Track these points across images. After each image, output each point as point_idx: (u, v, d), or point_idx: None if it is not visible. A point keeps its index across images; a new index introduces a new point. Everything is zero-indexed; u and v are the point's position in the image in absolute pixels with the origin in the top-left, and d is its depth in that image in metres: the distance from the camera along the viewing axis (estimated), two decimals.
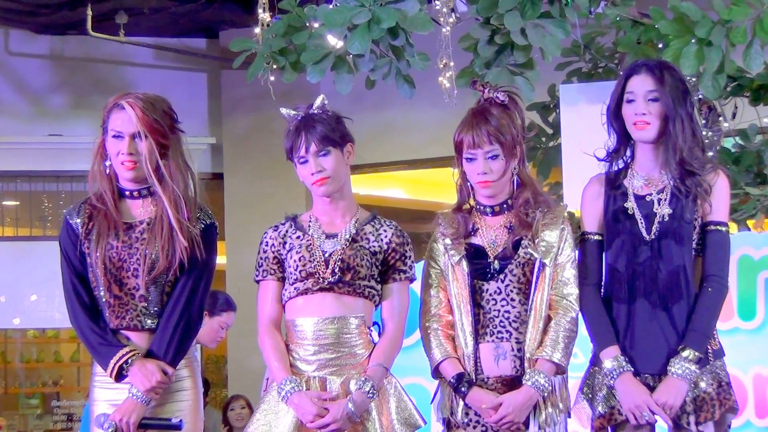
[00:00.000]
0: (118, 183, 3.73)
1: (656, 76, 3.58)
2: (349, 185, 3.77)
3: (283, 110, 3.75)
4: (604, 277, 3.68)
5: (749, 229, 5.79)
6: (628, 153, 3.70)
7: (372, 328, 3.70)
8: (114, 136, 3.65)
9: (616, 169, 3.72)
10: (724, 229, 3.60)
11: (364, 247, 3.68)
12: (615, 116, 3.67)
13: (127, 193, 3.73)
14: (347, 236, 3.69)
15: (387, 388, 3.65)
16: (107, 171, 3.71)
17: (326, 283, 3.63)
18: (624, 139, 3.68)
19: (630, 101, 3.61)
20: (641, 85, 3.59)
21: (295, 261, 3.67)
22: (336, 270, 3.63)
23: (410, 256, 3.74)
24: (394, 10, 4.94)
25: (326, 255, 3.66)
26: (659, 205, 3.60)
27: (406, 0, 4.97)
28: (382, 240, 3.71)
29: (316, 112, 3.70)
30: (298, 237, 3.72)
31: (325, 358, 3.62)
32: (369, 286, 3.67)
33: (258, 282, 3.78)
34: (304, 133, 3.65)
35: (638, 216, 3.61)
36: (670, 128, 3.57)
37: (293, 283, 3.67)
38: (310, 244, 3.68)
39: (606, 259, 3.67)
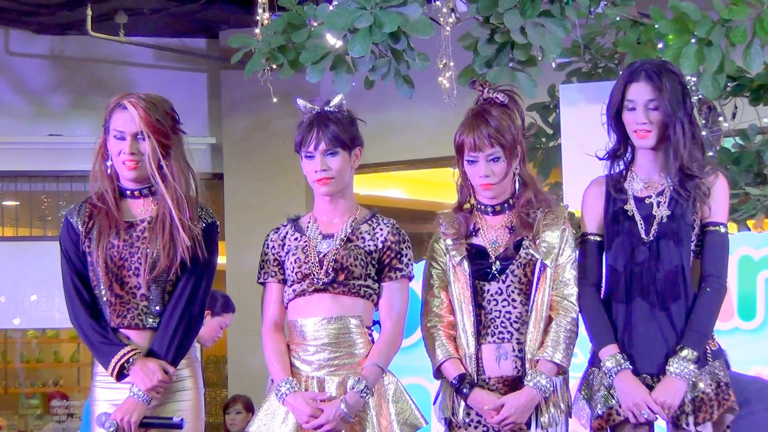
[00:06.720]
0: (119, 182, 3.73)
1: (655, 84, 3.57)
2: (351, 186, 3.77)
3: (300, 101, 3.74)
4: (604, 278, 3.67)
5: (749, 229, 5.80)
6: (629, 154, 3.70)
7: (373, 328, 3.70)
8: (116, 136, 3.65)
9: (617, 170, 3.71)
10: (723, 229, 3.60)
11: (359, 246, 3.67)
12: (615, 120, 3.66)
13: (128, 192, 3.73)
14: (342, 236, 3.68)
15: (388, 389, 3.65)
16: (108, 171, 3.71)
17: (321, 284, 3.63)
18: (624, 141, 3.68)
19: (630, 109, 3.60)
20: (641, 93, 3.58)
21: (291, 263, 3.67)
22: (330, 270, 3.63)
23: (407, 254, 3.71)
24: (395, 14, 4.92)
25: (321, 256, 3.65)
26: (658, 207, 3.60)
27: (408, 4, 4.96)
28: (377, 239, 3.69)
29: (332, 110, 3.70)
30: (296, 239, 3.72)
31: (324, 358, 3.62)
32: (365, 286, 3.66)
33: (261, 284, 3.78)
34: (316, 129, 3.65)
35: (637, 217, 3.61)
36: (670, 134, 3.57)
37: (291, 285, 3.68)
38: (306, 245, 3.68)
39: (606, 260, 3.67)
